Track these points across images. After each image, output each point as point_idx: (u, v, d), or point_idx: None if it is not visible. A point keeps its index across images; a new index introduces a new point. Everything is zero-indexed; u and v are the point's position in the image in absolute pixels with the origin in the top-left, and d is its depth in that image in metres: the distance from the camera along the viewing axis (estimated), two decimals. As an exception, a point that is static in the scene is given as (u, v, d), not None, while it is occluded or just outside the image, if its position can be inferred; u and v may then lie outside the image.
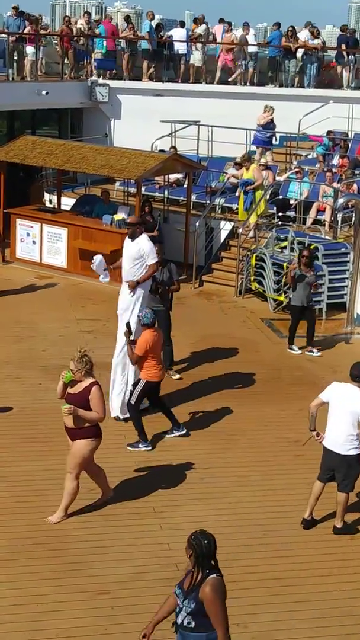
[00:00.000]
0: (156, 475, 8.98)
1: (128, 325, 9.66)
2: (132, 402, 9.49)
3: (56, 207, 17.89)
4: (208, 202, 17.22)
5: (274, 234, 15.45)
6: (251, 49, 22.37)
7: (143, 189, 16.40)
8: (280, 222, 16.54)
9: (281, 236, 15.39)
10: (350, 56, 22.43)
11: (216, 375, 11.74)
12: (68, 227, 16.10)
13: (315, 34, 22.46)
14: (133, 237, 10.13)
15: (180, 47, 22.28)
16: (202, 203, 17.52)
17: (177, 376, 11.58)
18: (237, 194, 16.91)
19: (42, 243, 16.56)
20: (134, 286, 10.05)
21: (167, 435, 9.85)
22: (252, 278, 15.31)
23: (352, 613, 6.96)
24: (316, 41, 22.33)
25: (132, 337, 9.52)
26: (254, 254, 15.19)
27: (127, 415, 9.98)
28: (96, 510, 8.22)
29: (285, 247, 15.11)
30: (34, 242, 16.67)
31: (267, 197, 16.43)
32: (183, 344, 12.64)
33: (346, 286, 14.48)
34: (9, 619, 6.65)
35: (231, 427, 10.25)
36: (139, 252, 10.06)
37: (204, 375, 11.72)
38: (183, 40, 22.29)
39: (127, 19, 23.49)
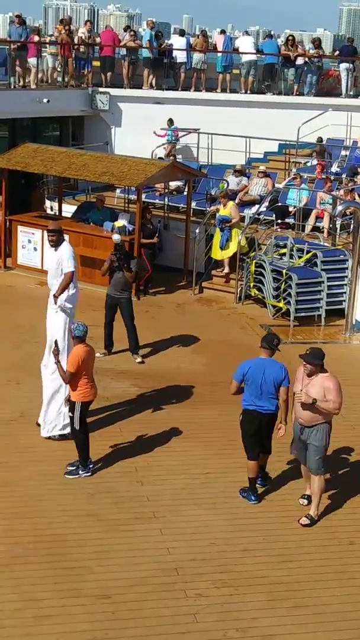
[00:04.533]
0: (156, 480, 9.03)
1: (56, 343, 9.11)
2: (77, 427, 8.76)
3: (57, 214, 17.97)
4: (208, 209, 17.29)
5: (273, 241, 15.51)
6: (251, 57, 22.48)
7: (143, 196, 16.47)
8: (279, 229, 16.62)
9: (280, 243, 15.47)
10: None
11: (215, 381, 11.77)
12: (69, 234, 16.08)
13: (317, 45, 22.69)
14: (57, 245, 9.60)
15: (180, 55, 22.41)
16: (202, 210, 17.60)
17: (139, 359, 11.65)
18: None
19: (43, 250, 16.63)
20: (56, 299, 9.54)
21: (68, 474, 8.94)
22: (251, 284, 15.38)
23: (349, 618, 7.01)
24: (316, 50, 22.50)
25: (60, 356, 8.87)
26: (254, 261, 15.26)
27: (62, 432, 9.61)
28: (97, 515, 8.27)
29: (284, 254, 15.19)
30: (35, 249, 16.76)
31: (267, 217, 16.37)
32: (183, 350, 12.70)
33: (345, 292, 14.57)
34: (10, 623, 6.69)
35: (231, 433, 10.24)
36: (58, 261, 9.55)
37: (204, 381, 11.77)
38: (183, 49, 22.42)
39: (127, 28, 23.61)
